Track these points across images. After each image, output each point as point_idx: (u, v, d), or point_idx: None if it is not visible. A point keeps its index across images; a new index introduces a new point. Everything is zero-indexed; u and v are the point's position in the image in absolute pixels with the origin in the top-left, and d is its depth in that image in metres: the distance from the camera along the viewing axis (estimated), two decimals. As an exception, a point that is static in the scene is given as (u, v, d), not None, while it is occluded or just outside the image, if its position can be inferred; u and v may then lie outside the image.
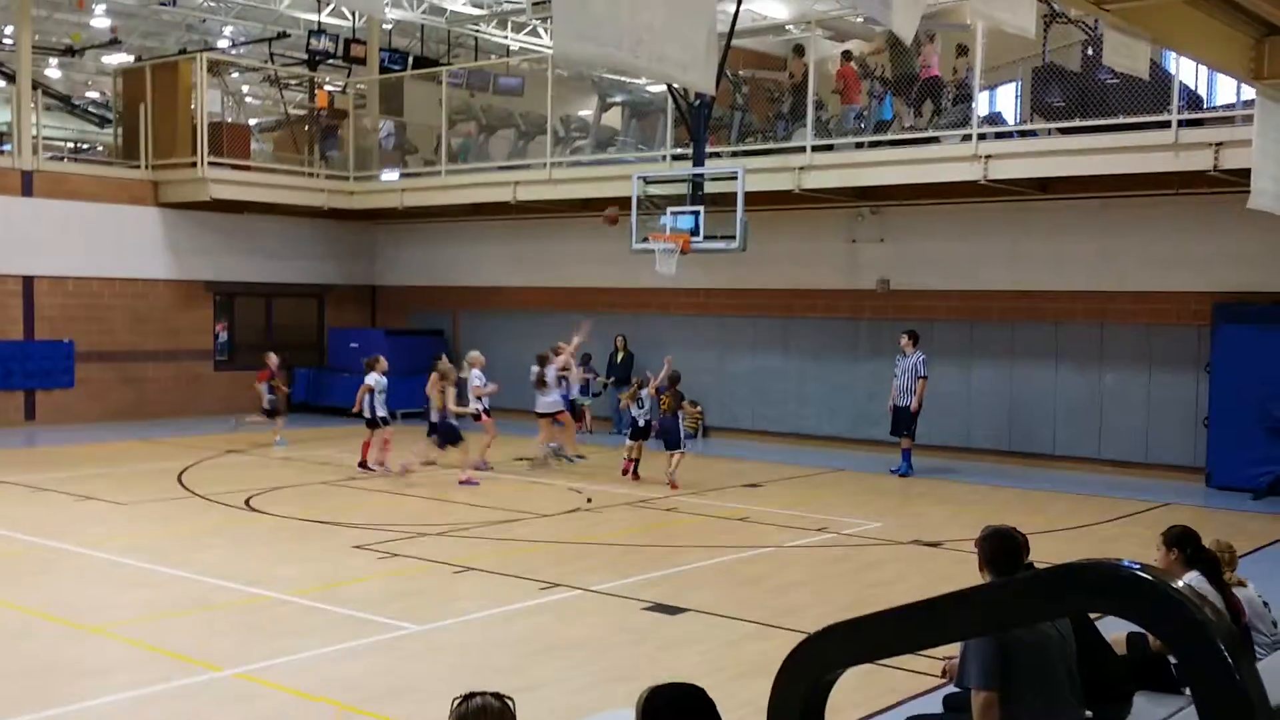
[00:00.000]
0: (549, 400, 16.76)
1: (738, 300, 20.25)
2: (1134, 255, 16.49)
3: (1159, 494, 14.87)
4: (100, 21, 29.64)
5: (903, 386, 16.46)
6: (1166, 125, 14.27)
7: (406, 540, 11.57)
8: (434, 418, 15.57)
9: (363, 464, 16.29)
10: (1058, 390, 17.14)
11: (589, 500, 14.05)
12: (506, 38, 28.76)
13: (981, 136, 15.76)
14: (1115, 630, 5.94)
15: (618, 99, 21.10)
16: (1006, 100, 18.08)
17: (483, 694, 3.31)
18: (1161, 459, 16.30)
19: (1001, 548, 5.10)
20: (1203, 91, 15.68)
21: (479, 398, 16.23)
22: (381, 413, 16.23)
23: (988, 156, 15.66)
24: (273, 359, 19.11)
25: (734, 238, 15.92)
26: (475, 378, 16.24)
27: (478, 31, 28.51)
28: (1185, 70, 14.58)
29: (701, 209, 16.13)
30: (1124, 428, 16.61)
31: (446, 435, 15.50)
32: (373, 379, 16.22)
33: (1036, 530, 9.49)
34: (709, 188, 16.37)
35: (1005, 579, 4.57)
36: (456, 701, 3.31)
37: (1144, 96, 14.24)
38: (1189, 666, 2.38)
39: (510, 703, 3.33)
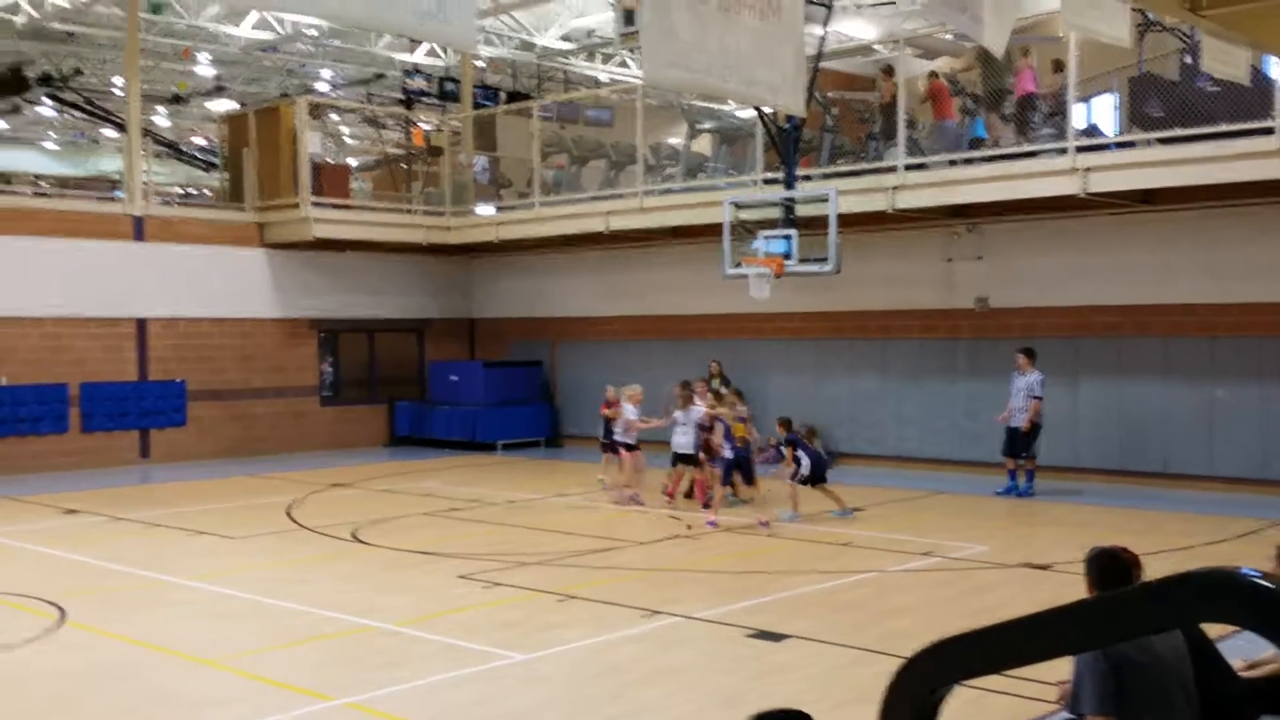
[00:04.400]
0: (685, 441, 15.66)
1: (833, 323, 20.11)
2: (1242, 266, 16.02)
3: (1276, 510, 14.35)
4: (205, 70, 30.68)
5: (1017, 406, 16.14)
6: (1270, 132, 13.88)
7: (509, 569, 11.68)
8: (728, 452, 14.61)
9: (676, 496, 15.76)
10: (1167, 406, 16.69)
11: (688, 527, 14.03)
12: (596, 70, 29.12)
13: (1079, 149, 15.49)
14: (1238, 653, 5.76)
15: (707, 126, 21.20)
16: (1103, 112, 17.72)
17: None
18: (1278, 475, 15.75)
19: (1110, 567, 4.97)
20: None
21: (632, 431, 15.96)
22: (625, 439, 15.88)
23: (1086, 169, 15.39)
24: (611, 391, 17.21)
25: (827, 260, 15.86)
26: (630, 412, 16.01)
27: (567, 65, 28.90)
28: (1289, 74, 14.17)
29: (794, 232, 16.10)
30: (1238, 443, 16.10)
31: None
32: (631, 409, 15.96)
33: (1150, 550, 9.24)
34: (801, 210, 16.34)
35: (1119, 590, 4.46)
36: None
37: (1246, 103, 13.88)
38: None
39: None
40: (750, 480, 14.61)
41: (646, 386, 17.86)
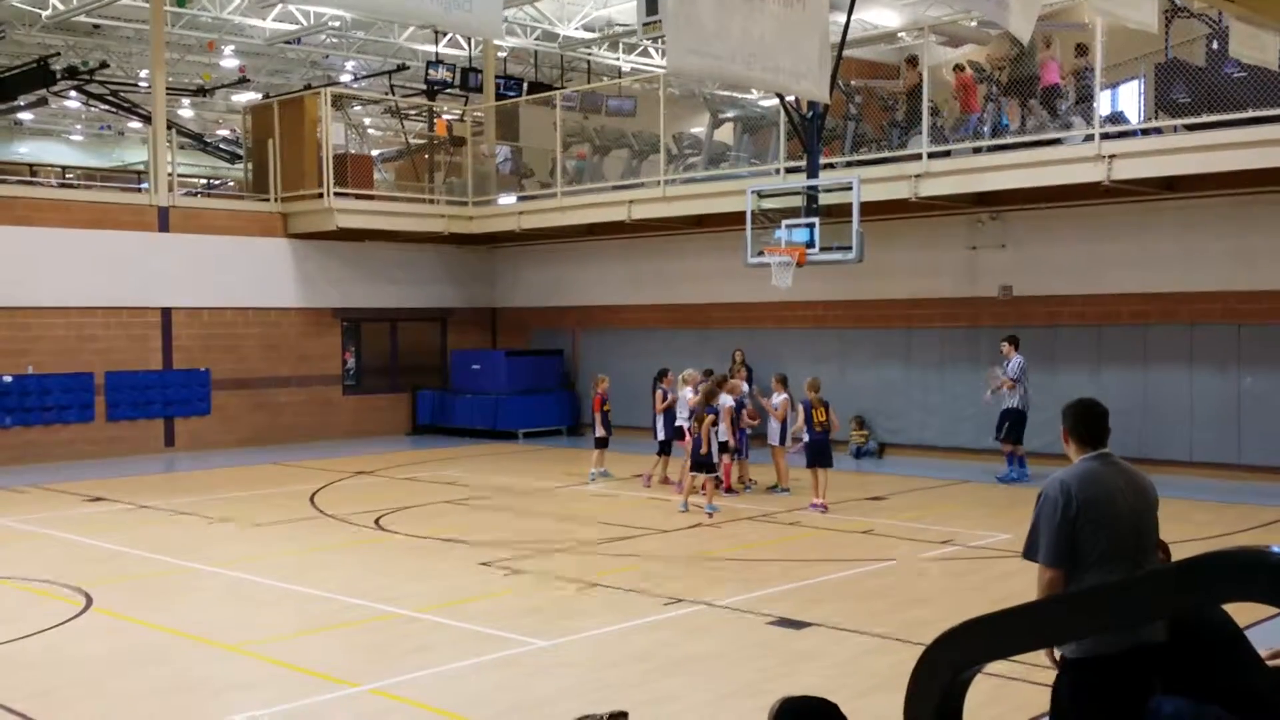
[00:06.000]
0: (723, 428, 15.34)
1: (856, 312, 20.06)
2: (1270, 253, 15.89)
3: (1305, 500, 14.28)
4: (229, 62, 30.83)
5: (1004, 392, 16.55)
6: (1299, 117, 13.76)
7: (531, 557, 11.71)
8: (806, 435, 14.52)
9: (729, 488, 15.69)
10: (1193, 394, 16.58)
11: (710, 515, 14.03)
12: (618, 59, 29.10)
13: (1104, 136, 15.38)
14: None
15: (730, 115, 21.14)
16: (1129, 99, 17.59)
17: (598, 717, 3.30)
18: (1306, 464, 15.64)
19: (1089, 412, 5.06)
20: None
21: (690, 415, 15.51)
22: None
23: (1111, 156, 15.28)
24: (605, 383, 17.58)
25: (850, 249, 15.81)
26: (690, 394, 15.69)
27: (590, 55, 28.90)
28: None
29: (817, 221, 16.06)
30: (1265, 432, 15.97)
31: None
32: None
33: (1175, 539, 9.16)
34: (824, 199, 16.29)
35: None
36: None
37: (1274, 89, 13.76)
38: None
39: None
40: (828, 464, 14.51)
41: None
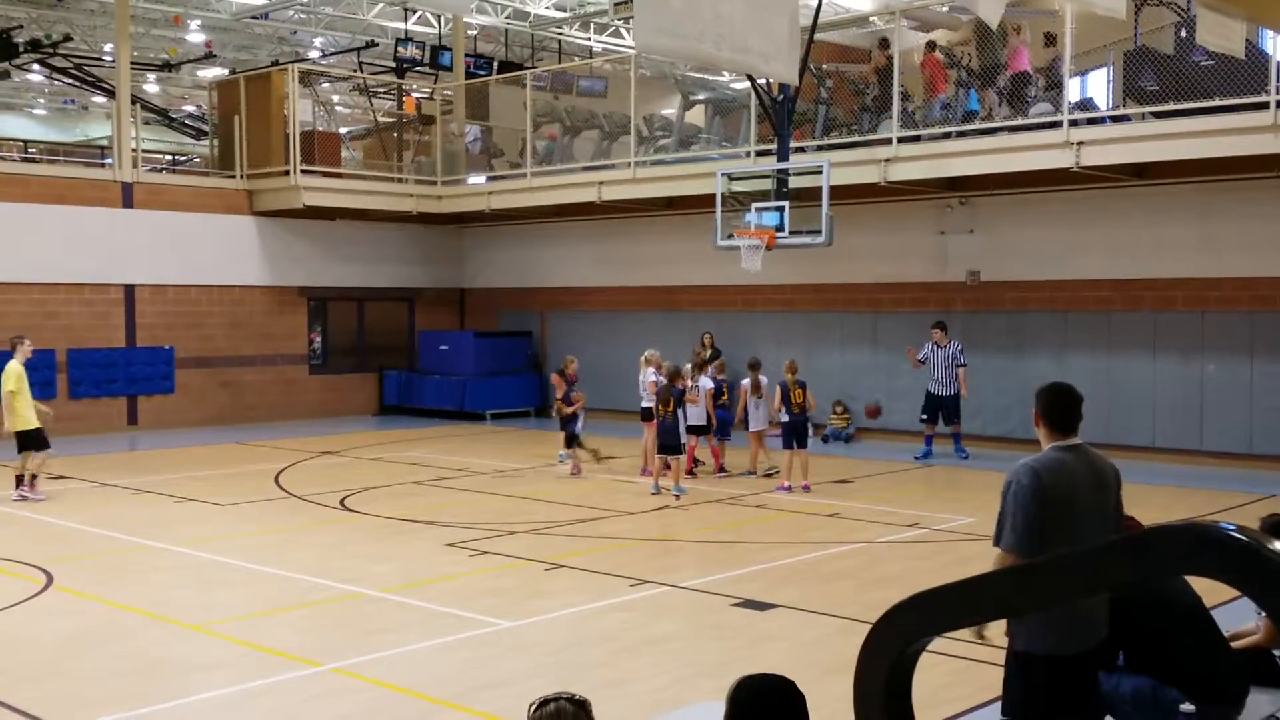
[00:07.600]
0: (696, 411, 15.32)
1: (825, 295, 20.09)
2: (1235, 240, 16.03)
3: (1264, 486, 14.43)
4: (195, 37, 30.44)
5: (943, 377, 17.11)
6: (1265, 106, 13.85)
7: (496, 538, 11.69)
8: (784, 417, 14.69)
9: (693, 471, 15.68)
10: (1157, 381, 16.73)
11: (677, 497, 14.04)
12: (589, 40, 28.95)
13: (1073, 123, 15.45)
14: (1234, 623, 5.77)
15: (701, 97, 21.09)
16: (1098, 86, 17.66)
17: (558, 698, 3.28)
18: (1267, 450, 15.79)
19: (1057, 400, 5.01)
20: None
21: (654, 393, 15.16)
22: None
23: (1079, 143, 15.35)
24: (574, 365, 16.95)
25: (820, 232, 15.82)
26: (651, 375, 15.46)
27: (561, 34, 28.73)
28: (1285, 48, 14.11)
29: (786, 204, 16.05)
30: (1227, 418, 16.13)
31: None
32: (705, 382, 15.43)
33: (1135, 523, 9.25)
34: (794, 183, 16.28)
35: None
36: (533, 707, 3.27)
37: (1241, 77, 13.85)
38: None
39: (587, 706, 3.29)
40: (804, 444, 14.66)
41: (633, 359, 17.82)
